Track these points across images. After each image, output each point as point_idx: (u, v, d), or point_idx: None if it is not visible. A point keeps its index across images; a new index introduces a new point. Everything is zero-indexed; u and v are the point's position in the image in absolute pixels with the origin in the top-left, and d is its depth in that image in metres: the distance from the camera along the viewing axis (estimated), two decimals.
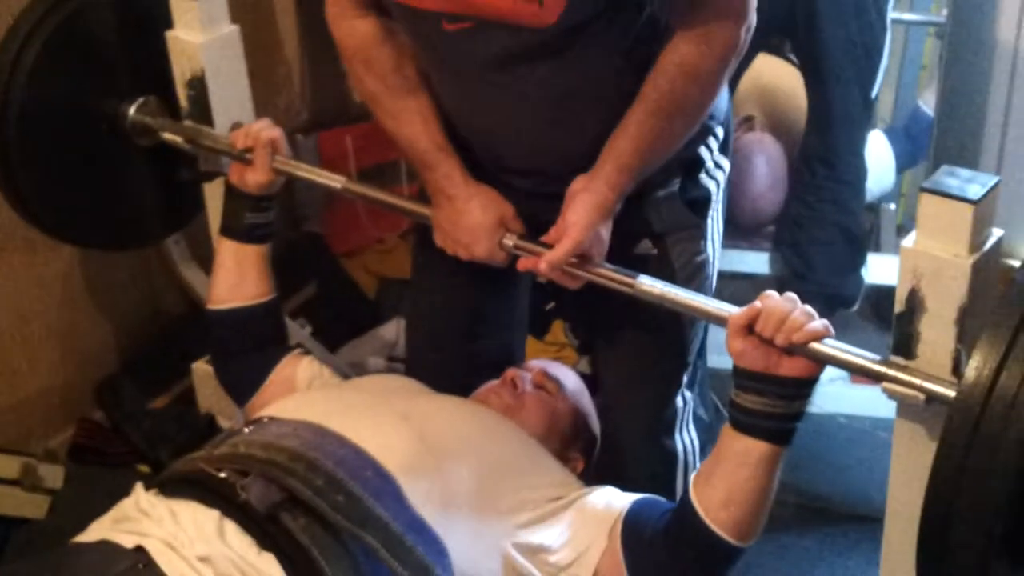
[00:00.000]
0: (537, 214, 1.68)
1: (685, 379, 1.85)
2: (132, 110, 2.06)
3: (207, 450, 1.51)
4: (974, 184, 1.33)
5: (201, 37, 1.98)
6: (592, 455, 1.88)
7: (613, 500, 1.59)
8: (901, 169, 3.20)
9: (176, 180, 2.16)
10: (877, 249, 3.10)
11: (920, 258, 1.36)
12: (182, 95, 2.05)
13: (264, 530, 1.38)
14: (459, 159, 1.67)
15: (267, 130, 1.88)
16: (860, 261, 2.80)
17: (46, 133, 2.00)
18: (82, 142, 2.06)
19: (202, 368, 2.34)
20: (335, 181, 1.87)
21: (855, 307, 2.80)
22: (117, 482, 2.49)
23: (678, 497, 1.65)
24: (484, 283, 1.86)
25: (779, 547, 2.39)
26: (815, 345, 1.40)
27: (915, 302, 1.38)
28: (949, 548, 1.20)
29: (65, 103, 2.02)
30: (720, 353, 2.73)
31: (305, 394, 1.78)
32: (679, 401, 1.86)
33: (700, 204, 1.72)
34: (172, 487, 1.47)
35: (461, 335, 1.94)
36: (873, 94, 2.73)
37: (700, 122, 1.61)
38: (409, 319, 2.11)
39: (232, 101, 2.04)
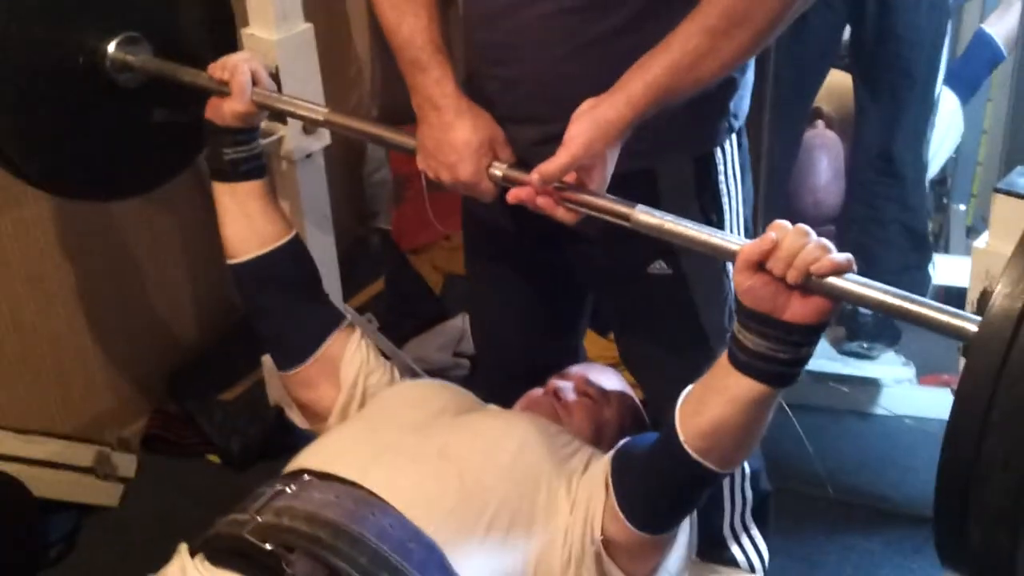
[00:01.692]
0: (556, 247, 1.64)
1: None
2: (111, 47, 1.92)
3: (250, 513, 1.47)
4: None
5: (276, 35, 2.01)
6: None
7: (604, 463, 1.55)
8: (966, 101, 3.12)
9: (154, 122, 2.03)
10: (946, 250, 3.07)
11: (992, 259, 1.35)
12: None
13: None
14: (453, 69, 1.54)
15: (246, 61, 1.78)
16: (926, 259, 2.78)
17: (20, 76, 1.85)
18: (61, 84, 1.91)
19: (271, 361, 2.37)
20: (317, 113, 1.77)
21: None
22: (188, 472, 2.57)
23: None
24: (538, 286, 1.85)
25: (843, 548, 2.38)
26: (834, 280, 1.24)
27: (986, 303, 1.36)
28: (972, 497, 1.06)
29: (41, 42, 1.86)
30: None
31: (341, 434, 1.70)
32: None
33: (716, 215, 1.62)
34: (218, 556, 1.44)
35: (518, 339, 1.93)
36: (936, 91, 2.71)
37: (755, 51, 1.43)
38: (471, 325, 2.11)
39: (304, 98, 2.06)
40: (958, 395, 1.06)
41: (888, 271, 2.73)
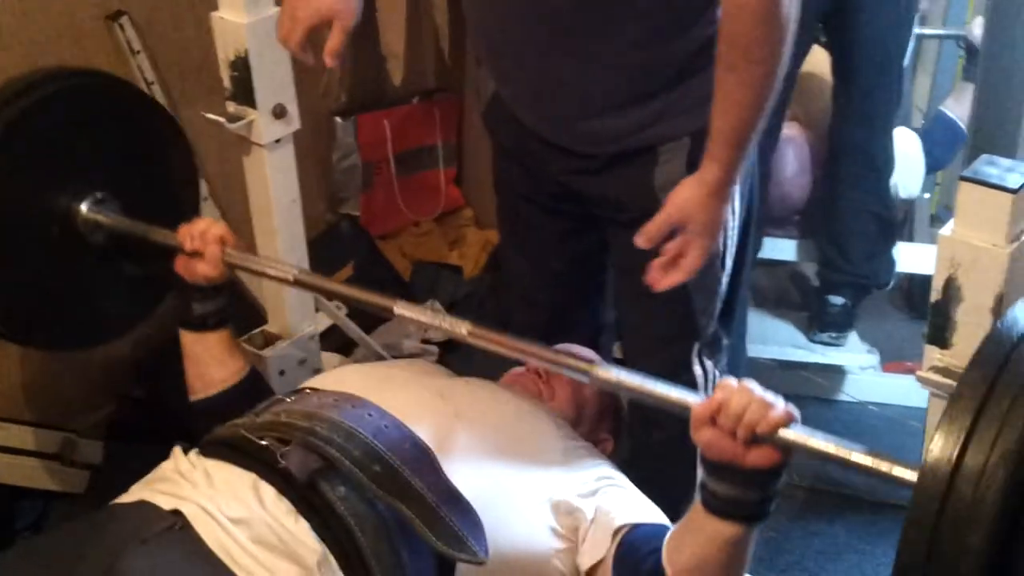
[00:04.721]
0: (567, 181, 1.77)
1: (696, 347, 1.86)
2: (85, 207, 1.96)
3: (249, 417, 1.54)
4: (1014, 173, 1.34)
5: (245, 18, 1.99)
6: (621, 435, 1.90)
7: (620, 514, 1.56)
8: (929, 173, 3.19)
9: (126, 276, 2.07)
10: (910, 238, 3.10)
11: (958, 247, 1.36)
12: (225, 76, 2.07)
13: (302, 497, 1.41)
14: None
15: (214, 227, 1.80)
16: (891, 244, 2.82)
17: None
18: (33, 241, 1.94)
19: (242, 347, 2.36)
20: (287, 273, 1.80)
21: (889, 286, 2.84)
22: (156, 458, 2.52)
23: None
24: (560, 228, 1.95)
25: (808, 534, 2.41)
26: (781, 434, 1.29)
27: (952, 291, 1.38)
28: None
29: (13, 202, 1.90)
30: (755, 343, 2.75)
31: (344, 369, 1.80)
32: (696, 369, 1.87)
33: None
34: (211, 449, 1.51)
35: (544, 283, 2.04)
36: (903, 83, 2.75)
37: (781, 68, 1.53)
38: (507, 295, 2.19)
39: (274, 82, 2.05)
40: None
41: (858, 259, 2.78)
